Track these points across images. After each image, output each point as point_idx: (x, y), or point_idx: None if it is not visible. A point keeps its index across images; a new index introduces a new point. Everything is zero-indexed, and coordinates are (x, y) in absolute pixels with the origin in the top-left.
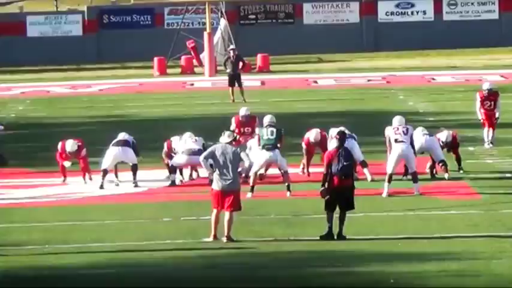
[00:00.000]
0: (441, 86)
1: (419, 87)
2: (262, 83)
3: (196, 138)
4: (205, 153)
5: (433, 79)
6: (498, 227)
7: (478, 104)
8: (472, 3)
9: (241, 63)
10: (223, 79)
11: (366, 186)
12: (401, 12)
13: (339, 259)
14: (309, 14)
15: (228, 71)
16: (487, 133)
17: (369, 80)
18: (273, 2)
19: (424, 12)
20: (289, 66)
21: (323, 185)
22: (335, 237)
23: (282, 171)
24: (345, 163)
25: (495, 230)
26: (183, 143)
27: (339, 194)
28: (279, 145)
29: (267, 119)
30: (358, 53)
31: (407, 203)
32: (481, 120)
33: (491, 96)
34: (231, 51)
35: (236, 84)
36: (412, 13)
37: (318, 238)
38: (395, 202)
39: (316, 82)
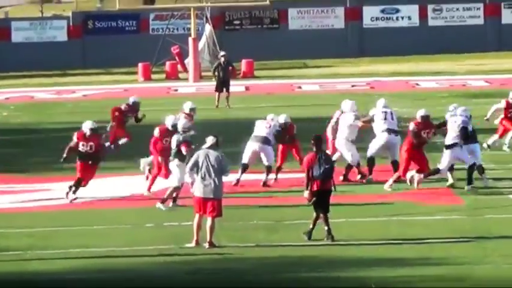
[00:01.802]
0: (425, 92)
1: (403, 93)
2: (247, 88)
3: (273, 121)
4: (189, 164)
5: (418, 84)
6: (481, 232)
7: (493, 108)
8: (457, 9)
9: (230, 68)
10: (208, 84)
11: (348, 192)
12: (387, 17)
13: (321, 264)
14: (294, 20)
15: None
16: (494, 139)
17: (353, 86)
18: (258, 7)
19: (409, 18)
20: (274, 71)
21: (307, 189)
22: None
23: None
24: (326, 166)
25: (478, 235)
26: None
27: (320, 197)
28: None
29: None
30: (343, 58)
31: (391, 209)
32: (500, 127)
33: None
34: (222, 58)
35: (224, 90)
36: (397, 18)
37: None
38: (378, 208)
39: (300, 87)
